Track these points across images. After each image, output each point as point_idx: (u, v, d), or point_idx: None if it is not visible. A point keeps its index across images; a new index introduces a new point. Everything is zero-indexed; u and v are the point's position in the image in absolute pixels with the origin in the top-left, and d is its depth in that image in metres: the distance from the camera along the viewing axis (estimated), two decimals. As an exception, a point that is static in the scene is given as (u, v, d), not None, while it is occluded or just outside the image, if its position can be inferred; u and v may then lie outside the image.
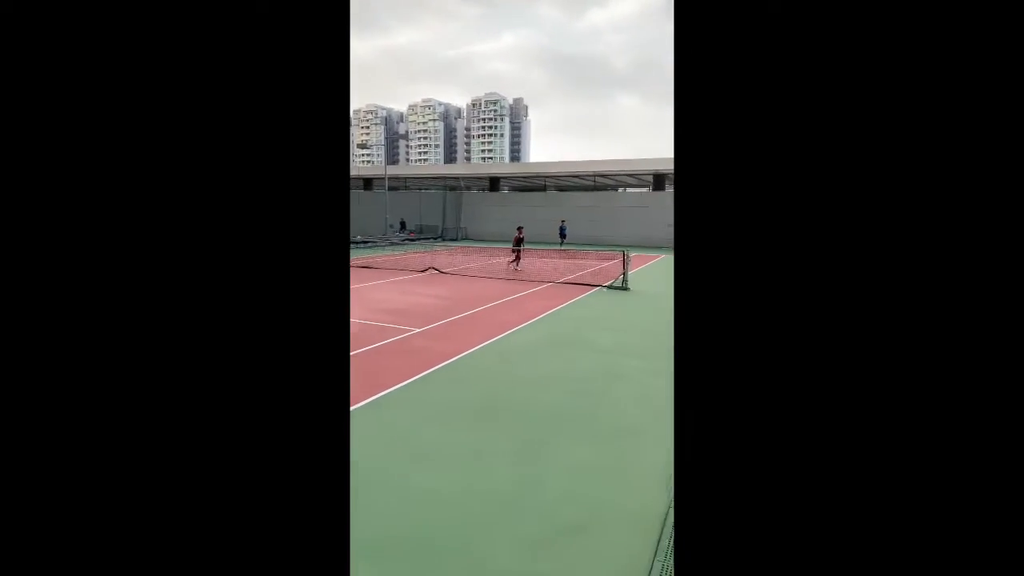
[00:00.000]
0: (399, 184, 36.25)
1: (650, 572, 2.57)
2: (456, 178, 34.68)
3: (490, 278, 13.07)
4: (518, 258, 15.10)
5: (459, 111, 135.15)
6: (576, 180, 30.86)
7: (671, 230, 26.15)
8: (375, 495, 3.20)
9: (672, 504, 3.15)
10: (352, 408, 4.54)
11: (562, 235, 24.53)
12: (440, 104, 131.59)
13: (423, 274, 13.70)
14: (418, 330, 7.44)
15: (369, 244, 22.98)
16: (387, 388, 5.02)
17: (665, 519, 2.99)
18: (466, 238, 29.92)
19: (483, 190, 33.85)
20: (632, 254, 13.53)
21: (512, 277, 13.12)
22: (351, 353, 6.15)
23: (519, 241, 15.18)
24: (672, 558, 2.68)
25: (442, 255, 16.89)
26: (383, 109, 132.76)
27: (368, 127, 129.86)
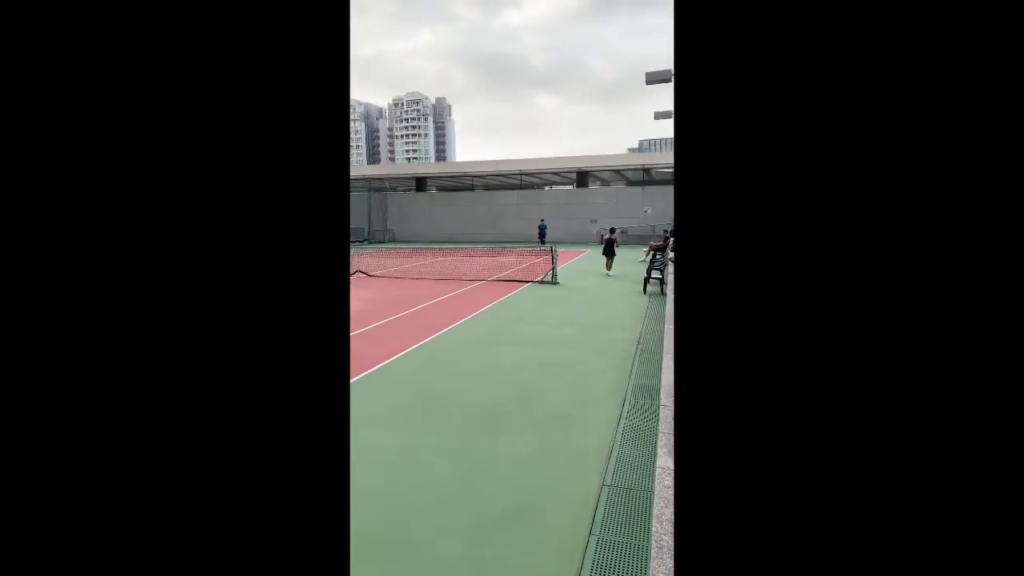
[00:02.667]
0: (321, 186, 34.89)
1: (586, 547, 2.73)
2: (381, 179, 33.97)
3: (420, 279, 12.98)
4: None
5: (380, 111, 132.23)
6: (503, 179, 31.18)
7: (595, 226, 27.00)
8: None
9: (603, 483, 3.34)
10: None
11: (542, 235, 23.51)
12: (360, 104, 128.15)
13: (350, 278, 13.37)
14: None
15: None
16: (319, 395, 4.92)
17: (598, 499, 3.17)
18: (393, 240, 29.41)
19: (409, 190, 33.40)
20: (560, 249, 13.87)
21: (447, 277, 13.10)
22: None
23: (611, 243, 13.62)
24: (604, 531, 2.85)
25: (369, 258, 16.55)
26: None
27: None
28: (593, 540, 2.78)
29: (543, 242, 23.47)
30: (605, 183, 32.37)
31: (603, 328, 7.63)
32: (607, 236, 14.16)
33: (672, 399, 2.37)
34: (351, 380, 5.35)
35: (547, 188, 33.65)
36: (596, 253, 20.42)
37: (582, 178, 28.97)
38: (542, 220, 24.54)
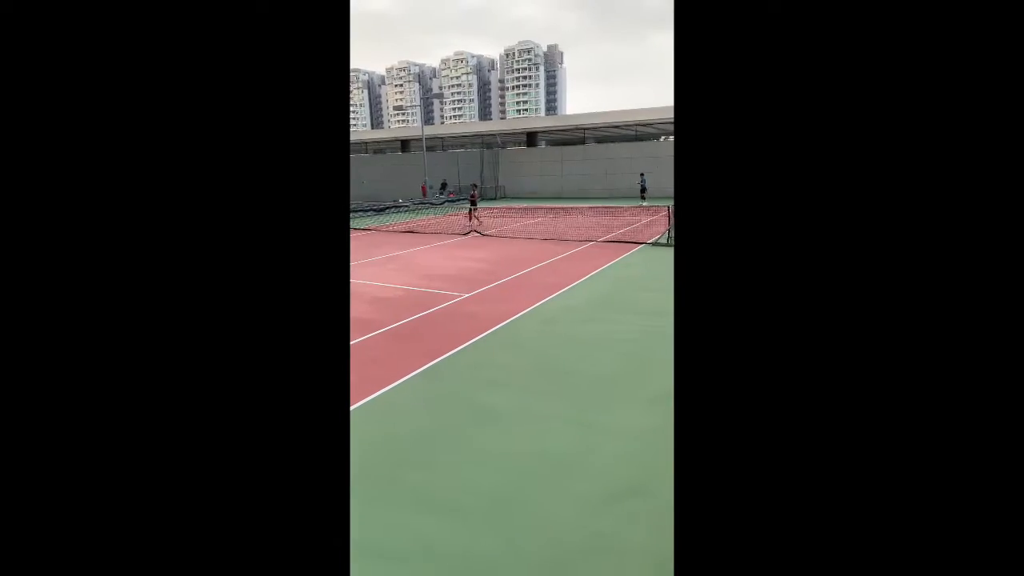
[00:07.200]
0: (436, 144, 36.20)
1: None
2: (492, 135, 34.29)
3: (531, 239, 13.16)
4: (471, 216, 16.07)
5: (492, 62, 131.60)
6: (616, 131, 30.00)
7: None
8: (447, 456, 3.51)
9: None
10: (413, 373, 4.86)
11: (643, 190, 22.61)
12: (472, 56, 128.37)
13: (465, 237, 13.91)
14: (467, 295, 7.69)
15: (409, 208, 23.28)
16: (444, 353, 5.32)
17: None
18: (504, 196, 29.80)
19: (520, 145, 33.40)
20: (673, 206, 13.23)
21: (558, 238, 13.17)
22: (409, 319, 6.48)
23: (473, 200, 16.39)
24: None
25: (483, 216, 17.01)
26: (415, 65, 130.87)
27: (401, 84, 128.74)
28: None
29: (643, 198, 22.35)
30: (728, 132, 29.85)
31: (722, 296, 7.28)
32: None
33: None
34: (472, 340, 5.70)
35: (663, 138, 31.87)
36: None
37: (703, 127, 26.94)
38: (642, 174, 23.22)
